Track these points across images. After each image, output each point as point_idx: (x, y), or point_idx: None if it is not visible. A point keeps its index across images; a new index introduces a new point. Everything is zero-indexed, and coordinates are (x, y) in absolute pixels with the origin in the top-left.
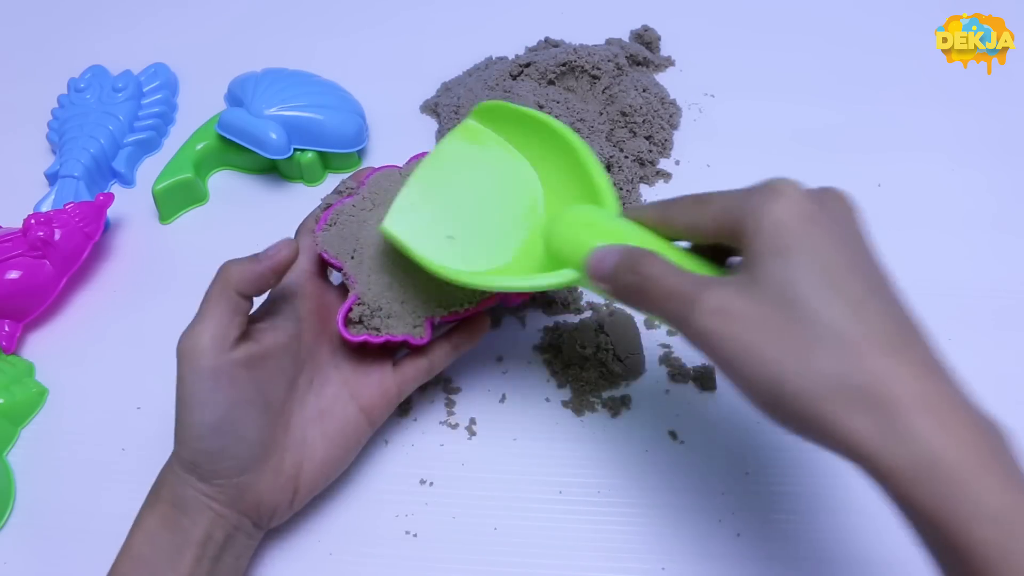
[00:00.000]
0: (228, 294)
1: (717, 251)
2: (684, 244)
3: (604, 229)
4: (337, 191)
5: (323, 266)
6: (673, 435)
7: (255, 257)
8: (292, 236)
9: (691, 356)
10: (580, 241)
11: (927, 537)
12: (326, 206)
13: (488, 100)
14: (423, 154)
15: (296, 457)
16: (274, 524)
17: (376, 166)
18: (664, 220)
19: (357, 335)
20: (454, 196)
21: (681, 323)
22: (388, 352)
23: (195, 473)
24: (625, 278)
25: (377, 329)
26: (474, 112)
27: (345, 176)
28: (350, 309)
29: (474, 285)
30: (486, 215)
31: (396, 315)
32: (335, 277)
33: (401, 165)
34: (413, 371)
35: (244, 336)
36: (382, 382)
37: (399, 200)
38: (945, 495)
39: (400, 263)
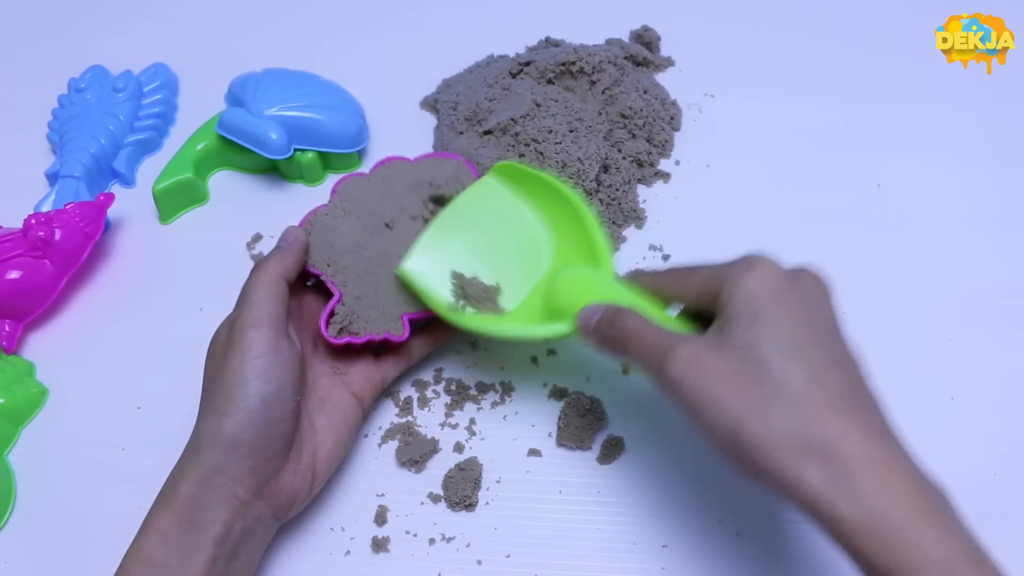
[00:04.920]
0: (277, 282)
1: (701, 319)
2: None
3: (597, 289)
4: None
5: None
6: (673, 435)
7: (280, 248)
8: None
9: None
10: (575, 297)
11: None
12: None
13: (504, 158)
14: (390, 158)
15: (311, 446)
16: (291, 515)
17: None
18: (655, 286)
19: (340, 337)
20: (468, 246)
21: (655, 371)
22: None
23: (233, 453)
24: (605, 331)
25: (357, 332)
26: (493, 170)
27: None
28: (332, 313)
29: (476, 330)
30: (496, 265)
31: (375, 316)
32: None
33: (367, 172)
34: (394, 360)
35: None
36: (367, 370)
37: (417, 246)
38: (890, 547)
39: (375, 267)
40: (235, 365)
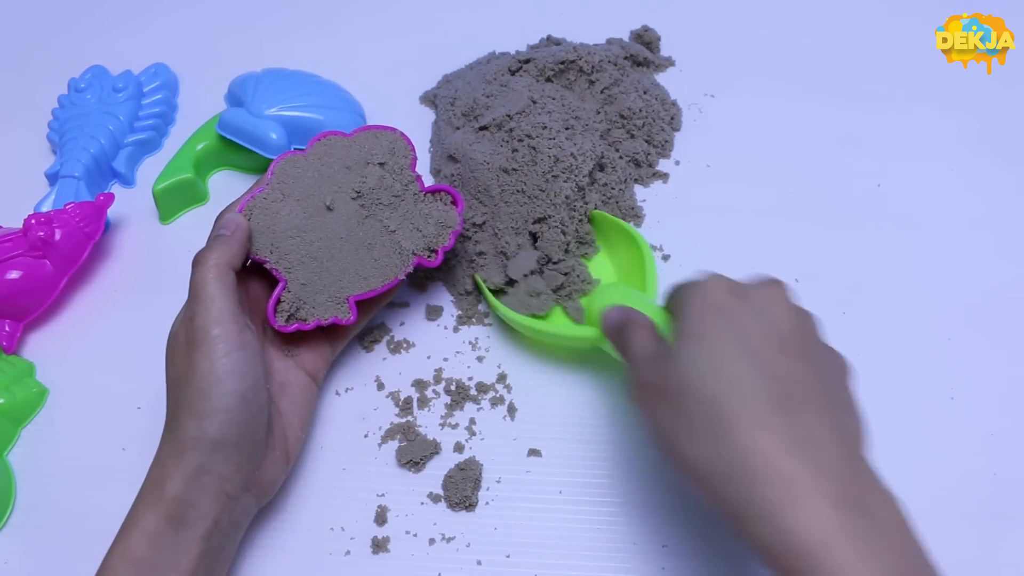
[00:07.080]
0: (226, 273)
1: None
2: None
3: (633, 301)
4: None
5: None
6: None
7: (222, 237)
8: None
9: None
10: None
11: None
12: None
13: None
14: (326, 134)
15: (280, 430)
16: (268, 499)
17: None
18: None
19: (288, 325)
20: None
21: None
22: None
23: (218, 453)
24: (610, 332)
25: (305, 319)
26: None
27: None
28: (279, 300)
29: (532, 329)
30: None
31: (322, 301)
32: None
33: (303, 150)
34: (341, 331)
35: None
36: (317, 345)
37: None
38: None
39: (318, 251)
40: (205, 365)
